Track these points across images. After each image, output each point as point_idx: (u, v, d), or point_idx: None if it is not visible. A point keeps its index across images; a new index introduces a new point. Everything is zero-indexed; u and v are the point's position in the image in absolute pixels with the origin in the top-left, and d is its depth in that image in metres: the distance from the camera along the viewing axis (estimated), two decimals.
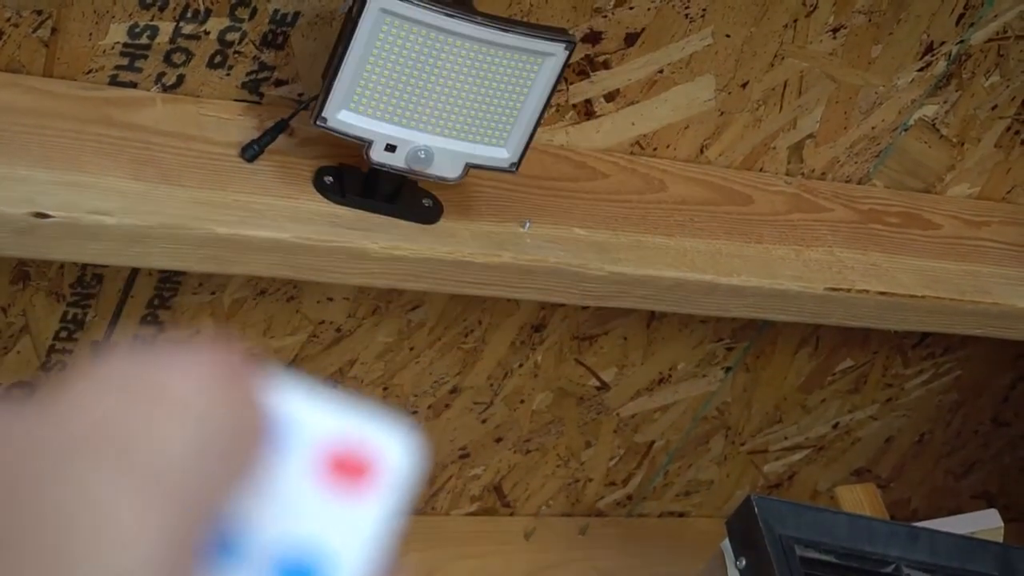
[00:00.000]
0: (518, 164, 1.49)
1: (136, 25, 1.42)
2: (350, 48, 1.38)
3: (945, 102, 1.82)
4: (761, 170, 1.80)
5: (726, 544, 1.67)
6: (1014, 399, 2.21)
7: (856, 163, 1.84)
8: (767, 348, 1.98)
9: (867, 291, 1.71)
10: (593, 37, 1.59)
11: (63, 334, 1.60)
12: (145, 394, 0.44)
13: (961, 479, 2.31)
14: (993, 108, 1.85)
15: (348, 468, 0.49)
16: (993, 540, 1.84)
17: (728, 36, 1.65)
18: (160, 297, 1.61)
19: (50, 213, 1.31)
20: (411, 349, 1.78)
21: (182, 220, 1.37)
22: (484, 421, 1.91)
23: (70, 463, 0.41)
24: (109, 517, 0.41)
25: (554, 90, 1.46)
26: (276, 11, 1.45)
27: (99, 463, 0.42)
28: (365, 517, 0.48)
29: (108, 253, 1.36)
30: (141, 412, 0.43)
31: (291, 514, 0.48)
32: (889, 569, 1.68)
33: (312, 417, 0.49)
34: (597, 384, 1.93)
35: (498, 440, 1.94)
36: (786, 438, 2.12)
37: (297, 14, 1.46)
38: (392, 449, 0.49)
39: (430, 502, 1.98)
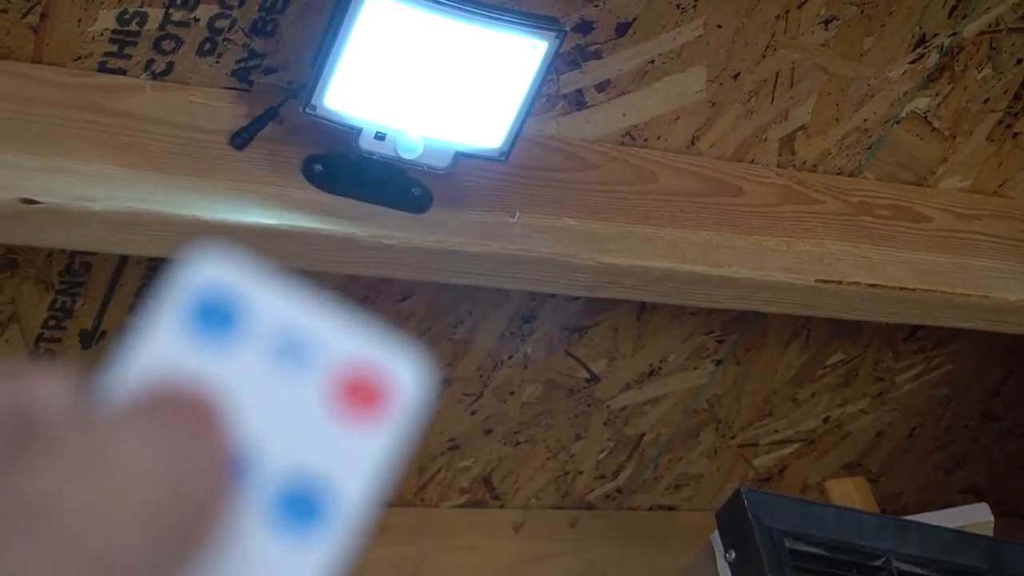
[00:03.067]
0: (508, 154, 1.49)
1: (125, 12, 1.41)
2: (340, 36, 1.37)
3: (937, 95, 1.82)
4: (752, 162, 1.79)
5: (715, 537, 1.66)
6: (1005, 393, 2.21)
7: (847, 155, 1.83)
8: (757, 341, 1.98)
9: (858, 283, 1.71)
10: (584, 26, 1.59)
11: (51, 322, 1.59)
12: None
13: (951, 473, 2.30)
14: (985, 101, 1.85)
15: (361, 394, 0.48)
16: (983, 534, 1.83)
17: (720, 27, 1.64)
18: (149, 286, 1.60)
19: (37, 199, 1.30)
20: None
21: (170, 207, 1.36)
22: (474, 413, 1.91)
23: None
24: None
25: (544, 79, 1.45)
26: None
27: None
28: (370, 446, 0.48)
29: (95, 240, 1.36)
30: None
31: (299, 439, 0.48)
32: (879, 562, 1.67)
33: (333, 337, 0.49)
34: (587, 376, 1.92)
35: (488, 432, 1.94)
36: (776, 431, 2.12)
37: (287, 1, 1.46)
38: (405, 376, 0.48)
39: (419, 493, 1.97)
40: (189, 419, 0.45)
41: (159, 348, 0.47)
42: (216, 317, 0.48)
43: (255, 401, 0.47)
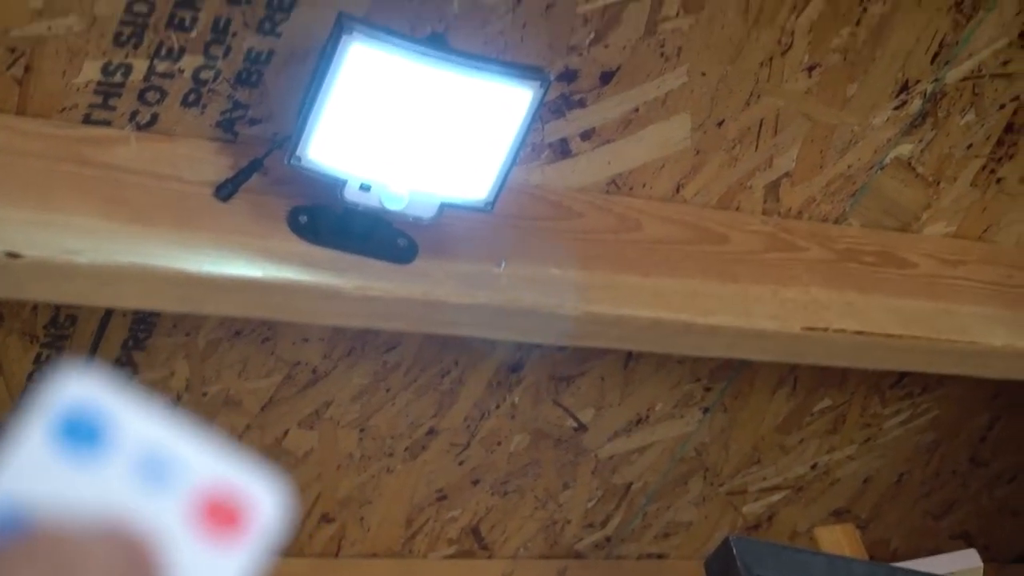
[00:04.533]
0: (493, 204, 1.49)
1: (110, 63, 1.41)
2: (324, 87, 1.38)
3: (920, 141, 1.82)
4: (737, 209, 1.79)
5: None
6: (992, 439, 2.21)
7: (832, 202, 1.83)
8: (745, 388, 1.98)
9: (844, 330, 1.71)
10: (568, 75, 1.59)
11: (37, 376, 1.59)
12: None
13: (940, 519, 2.30)
14: (969, 147, 1.85)
15: (220, 515, 0.50)
16: None
17: (704, 74, 1.65)
18: (134, 338, 1.60)
19: (22, 252, 1.30)
20: (387, 390, 1.77)
21: (155, 259, 1.36)
22: (461, 463, 1.90)
23: None
24: None
25: (530, 128, 1.45)
26: (250, 50, 1.45)
27: None
28: (227, 566, 0.50)
29: (81, 293, 1.35)
30: None
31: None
32: None
33: (195, 458, 0.50)
34: (575, 425, 1.92)
35: (475, 482, 1.93)
36: (765, 479, 2.11)
37: (271, 52, 1.46)
38: (264, 499, 0.50)
39: (407, 544, 1.96)
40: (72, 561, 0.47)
41: (26, 465, 0.49)
42: (82, 434, 0.50)
43: (117, 514, 0.49)
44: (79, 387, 0.50)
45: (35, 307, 1.53)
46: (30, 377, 1.59)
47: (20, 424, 0.49)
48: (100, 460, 0.50)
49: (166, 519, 0.49)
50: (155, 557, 0.48)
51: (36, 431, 0.49)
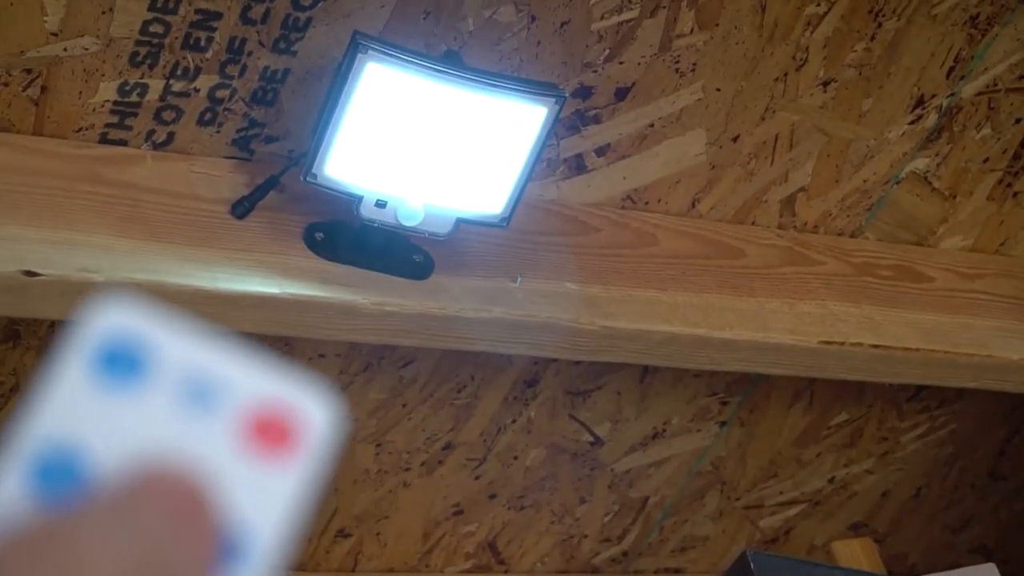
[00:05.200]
0: (509, 219, 1.49)
1: (126, 83, 1.42)
2: (339, 104, 1.38)
3: (937, 155, 1.82)
4: (753, 223, 1.79)
5: None
6: (1010, 452, 2.20)
7: (848, 216, 1.83)
8: (761, 402, 1.97)
9: (861, 344, 1.71)
10: (583, 92, 1.59)
11: None
12: None
13: (958, 533, 2.29)
14: (985, 161, 1.85)
15: (270, 433, 0.49)
16: None
17: (719, 90, 1.65)
18: None
19: (39, 271, 1.30)
20: (404, 405, 1.78)
21: (171, 277, 1.37)
22: (477, 477, 1.90)
23: None
24: None
25: (545, 145, 1.46)
26: (266, 68, 1.45)
27: None
28: (282, 485, 0.48)
29: None
30: None
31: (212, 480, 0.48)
32: None
33: (240, 378, 0.49)
34: (591, 439, 1.92)
35: (492, 496, 1.93)
36: (782, 493, 2.11)
37: (287, 71, 1.46)
38: (314, 414, 0.49)
39: (424, 559, 1.97)
40: (171, 505, 0.46)
41: (67, 400, 0.48)
42: (122, 364, 0.48)
43: (165, 444, 0.48)
44: (115, 316, 0.48)
45: (52, 324, 1.54)
46: None
47: (58, 359, 0.48)
48: (143, 388, 0.48)
49: (215, 442, 0.48)
50: (208, 499, 0.47)
51: (74, 364, 0.48)
